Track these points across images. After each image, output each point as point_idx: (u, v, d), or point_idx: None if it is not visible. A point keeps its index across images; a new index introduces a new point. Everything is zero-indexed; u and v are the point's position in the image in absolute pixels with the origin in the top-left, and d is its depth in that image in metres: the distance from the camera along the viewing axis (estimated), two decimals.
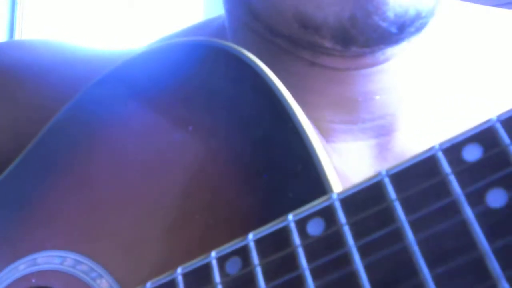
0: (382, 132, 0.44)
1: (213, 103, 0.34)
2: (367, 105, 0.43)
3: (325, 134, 0.43)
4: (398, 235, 0.24)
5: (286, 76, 0.42)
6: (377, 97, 0.43)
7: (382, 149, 0.44)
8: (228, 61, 0.34)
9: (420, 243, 0.23)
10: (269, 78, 0.32)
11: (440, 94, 0.46)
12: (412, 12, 0.38)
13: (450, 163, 0.24)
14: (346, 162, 0.43)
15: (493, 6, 0.52)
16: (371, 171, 0.43)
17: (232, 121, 0.33)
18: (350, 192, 0.26)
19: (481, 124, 0.24)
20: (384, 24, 0.37)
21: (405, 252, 0.23)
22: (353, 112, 0.43)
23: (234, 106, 0.33)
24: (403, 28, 0.38)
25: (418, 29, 0.40)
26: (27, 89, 0.48)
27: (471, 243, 0.22)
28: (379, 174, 0.25)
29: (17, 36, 2.11)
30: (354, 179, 0.42)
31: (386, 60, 0.42)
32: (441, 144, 0.24)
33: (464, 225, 0.23)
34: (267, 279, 0.26)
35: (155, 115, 0.36)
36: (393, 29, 0.38)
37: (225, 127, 0.33)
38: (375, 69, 0.42)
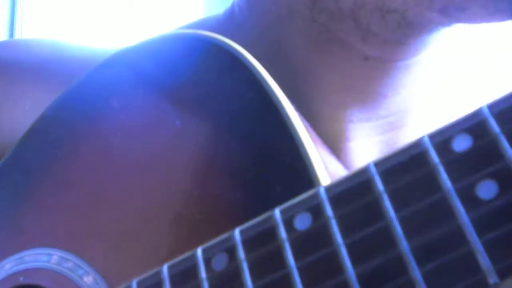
0: (388, 129, 0.44)
1: (201, 97, 0.33)
2: (390, 100, 0.43)
3: (342, 134, 0.43)
4: (386, 230, 0.23)
5: (330, 71, 0.42)
6: (404, 91, 0.43)
7: (387, 146, 0.44)
8: (216, 54, 0.33)
9: (409, 237, 0.23)
10: (257, 71, 0.32)
11: (449, 91, 0.46)
12: None
13: (439, 153, 0.23)
14: (356, 161, 0.43)
15: None
16: None
17: (220, 115, 0.32)
18: (337, 186, 0.25)
19: (470, 114, 0.23)
20: None
21: (394, 247, 0.23)
22: (374, 108, 0.43)
23: (222, 100, 0.33)
24: None
25: None
26: (21, 88, 0.48)
27: (461, 237, 0.22)
28: (367, 167, 0.25)
29: (17, 36, 2.11)
30: None
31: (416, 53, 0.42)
32: (430, 135, 0.24)
33: (453, 218, 0.22)
34: (254, 274, 0.25)
35: (141, 111, 0.35)
36: None
37: (213, 121, 0.32)
38: (406, 62, 0.42)
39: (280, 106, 0.30)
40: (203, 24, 0.51)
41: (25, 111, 0.47)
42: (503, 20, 0.36)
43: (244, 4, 0.46)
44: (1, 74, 0.48)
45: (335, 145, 0.43)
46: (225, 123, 0.32)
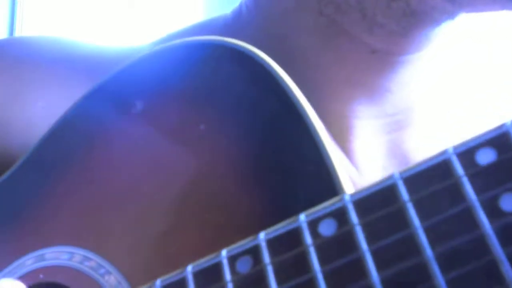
0: (395, 128, 0.44)
1: (224, 103, 0.34)
2: (396, 97, 0.44)
3: (349, 131, 0.43)
4: (411, 238, 0.24)
5: (337, 65, 0.42)
6: (408, 88, 0.43)
7: (395, 145, 0.44)
8: (239, 60, 0.34)
9: (433, 246, 0.23)
10: (280, 77, 0.32)
11: (453, 92, 0.46)
12: None
13: (464, 166, 0.24)
14: (363, 160, 0.43)
15: None
16: (381, 168, 0.43)
17: (243, 121, 0.33)
18: (362, 194, 0.26)
19: (495, 128, 0.24)
20: None
21: (419, 255, 0.23)
22: (381, 104, 0.44)
23: (245, 106, 0.33)
24: None
25: None
26: (33, 87, 0.48)
27: (485, 247, 0.23)
28: (392, 176, 0.25)
29: (17, 35, 2.11)
30: (368, 176, 0.43)
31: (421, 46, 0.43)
32: (455, 148, 0.25)
33: (477, 228, 0.23)
34: (278, 278, 0.26)
35: (164, 115, 0.36)
36: None
37: (236, 127, 0.33)
38: (410, 57, 0.43)
39: (304, 114, 0.31)
40: (211, 24, 0.51)
41: (37, 110, 0.47)
42: (505, 7, 0.37)
43: (251, 3, 0.47)
44: (13, 71, 0.49)
45: (342, 144, 0.43)
46: (249, 130, 0.33)
